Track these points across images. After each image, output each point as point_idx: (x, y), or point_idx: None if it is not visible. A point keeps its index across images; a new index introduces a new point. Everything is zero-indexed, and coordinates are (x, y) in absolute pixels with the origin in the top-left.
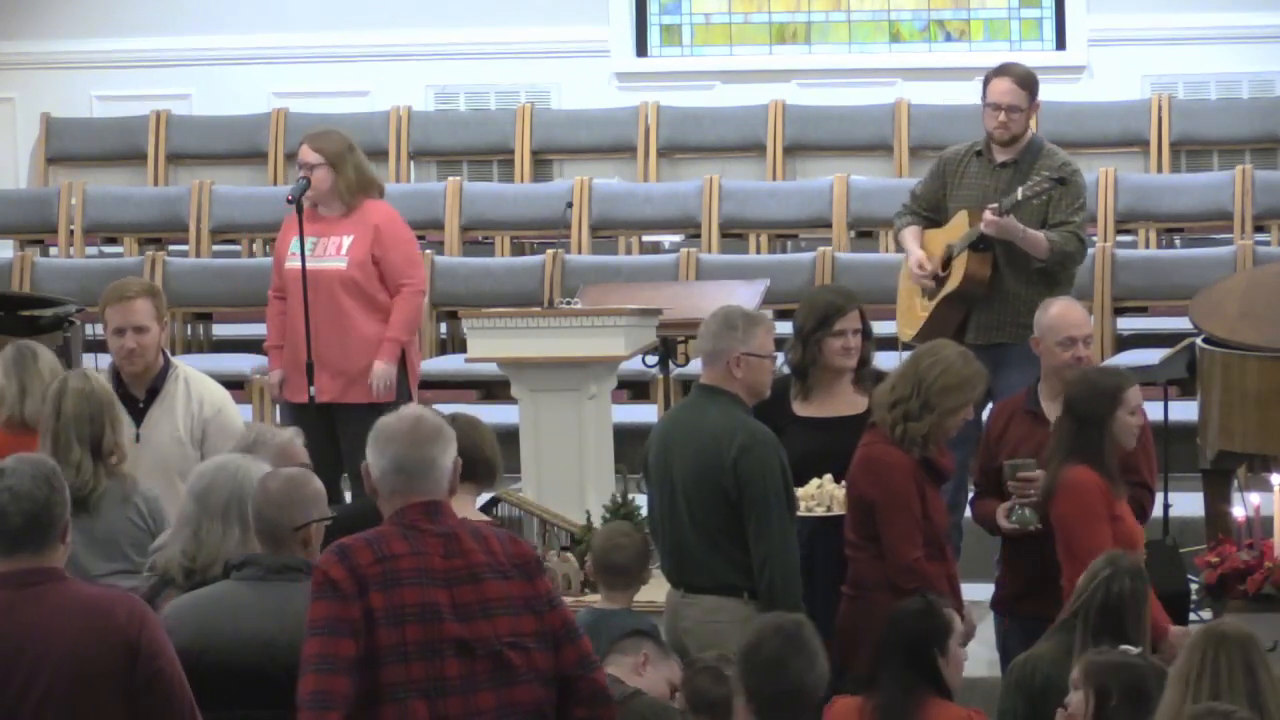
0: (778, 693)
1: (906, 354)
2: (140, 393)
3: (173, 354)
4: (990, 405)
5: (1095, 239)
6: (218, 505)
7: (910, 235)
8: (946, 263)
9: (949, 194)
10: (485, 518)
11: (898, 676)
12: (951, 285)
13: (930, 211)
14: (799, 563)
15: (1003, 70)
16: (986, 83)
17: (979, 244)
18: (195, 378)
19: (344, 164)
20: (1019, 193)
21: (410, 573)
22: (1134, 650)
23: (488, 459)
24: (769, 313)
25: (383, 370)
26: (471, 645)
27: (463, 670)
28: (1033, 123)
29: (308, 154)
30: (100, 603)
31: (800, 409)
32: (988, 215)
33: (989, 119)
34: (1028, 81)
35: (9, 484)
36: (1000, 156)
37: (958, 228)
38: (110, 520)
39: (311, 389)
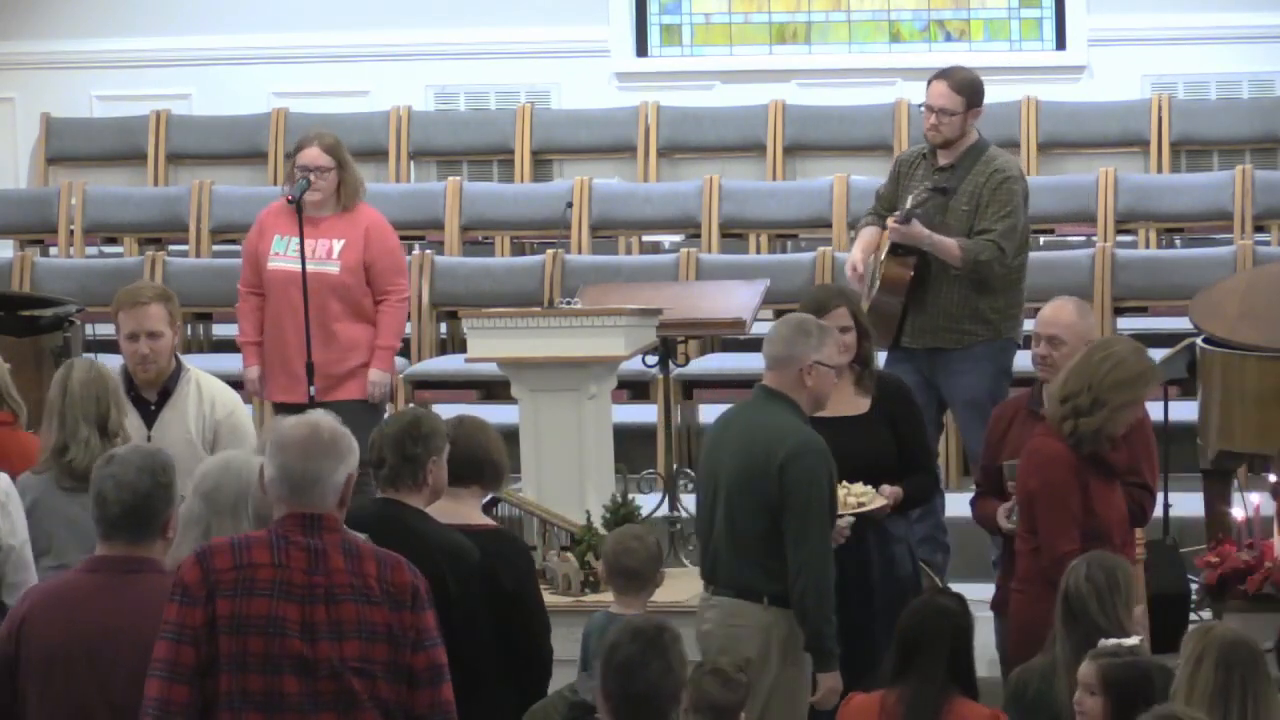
0: (632, 695)
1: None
2: (152, 395)
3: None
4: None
5: (1095, 239)
6: (226, 503)
7: (861, 235)
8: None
9: (900, 196)
10: (489, 521)
11: (928, 673)
12: (874, 289)
13: (890, 212)
14: (834, 574)
15: (942, 73)
16: (929, 84)
17: (898, 248)
18: (206, 380)
19: (348, 167)
20: (908, 201)
21: (265, 584)
22: (1130, 641)
23: (494, 462)
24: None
25: (381, 378)
26: (313, 664)
27: (303, 689)
28: (1031, 125)
29: (319, 157)
30: None
31: None
32: (890, 222)
33: (924, 120)
34: (965, 87)
35: (113, 472)
36: (942, 160)
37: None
38: None
39: (311, 389)
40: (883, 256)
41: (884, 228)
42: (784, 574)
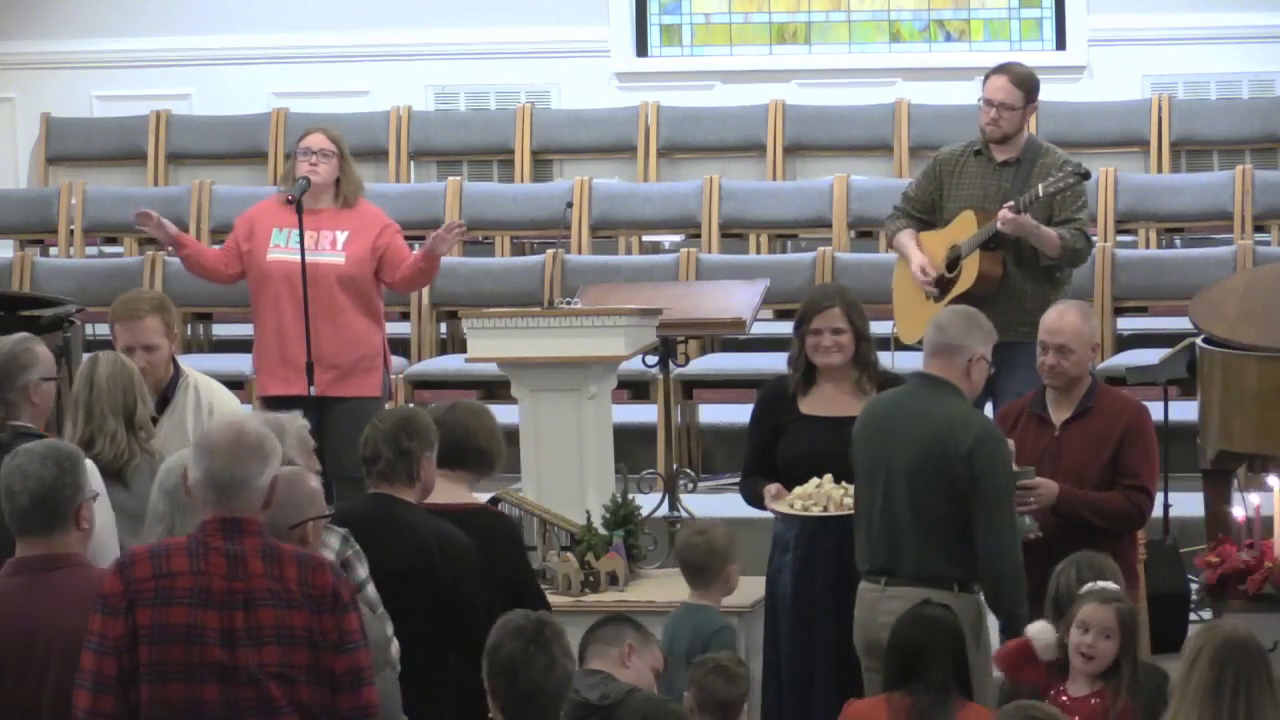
0: (517, 693)
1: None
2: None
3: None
4: (990, 403)
5: (1095, 239)
6: (190, 501)
7: (908, 238)
8: (953, 264)
9: (947, 195)
10: (474, 499)
11: (935, 680)
12: (964, 285)
13: (924, 213)
14: (1022, 557)
15: (1001, 68)
16: (985, 79)
17: (989, 243)
18: (205, 385)
19: (349, 161)
20: (1039, 189)
21: (184, 592)
22: (1113, 585)
23: (480, 448)
24: None
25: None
26: (233, 671)
27: (223, 696)
28: (1031, 126)
29: (322, 141)
30: None
31: (805, 407)
32: (1005, 213)
33: (982, 115)
34: (1024, 82)
35: (19, 463)
36: (1000, 156)
37: (962, 228)
38: (142, 493)
39: (312, 388)
40: (965, 255)
41: (919, 228)
42: (969, 559)
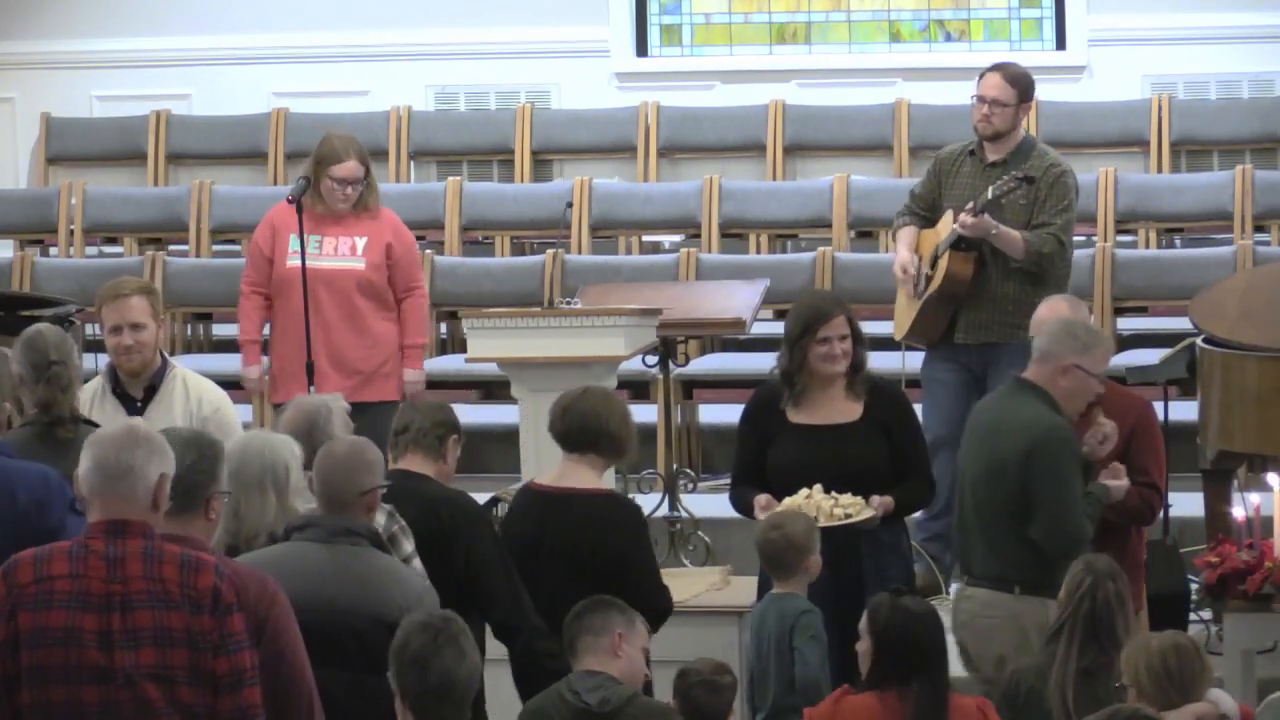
0: (427, 689)
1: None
2: (138, 392)
3: (172, 354)
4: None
5: (1095, 239)
6: (253, 479)
7: (903, 236)
8: (934, 262)
9: (943, 194)
10: (600, 486)
11: (933, 675)
12: (934, 286)
13: (928, 211)
14: None
15: (995, 66)
16: (980, 78)
17: (960, 244)
18: (193, 378)
19: (372, 171)
20: (989, 192)
21: (63, 595)
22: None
23: (612, 433)
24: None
25: (417, 377)
26: (110, 674)
27: (102, 698)
28: (1031, 126)
29: (357, 170)
30: None
31: (793, 416)
32: (962, 216)
33: (975, 112)
34: (1018, 80)
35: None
36: (990, 156)
37: (946, 227)
38: None
39: (311, 389)
40: (940, 253)
41: (923, 226)
42: (1032, 562)
